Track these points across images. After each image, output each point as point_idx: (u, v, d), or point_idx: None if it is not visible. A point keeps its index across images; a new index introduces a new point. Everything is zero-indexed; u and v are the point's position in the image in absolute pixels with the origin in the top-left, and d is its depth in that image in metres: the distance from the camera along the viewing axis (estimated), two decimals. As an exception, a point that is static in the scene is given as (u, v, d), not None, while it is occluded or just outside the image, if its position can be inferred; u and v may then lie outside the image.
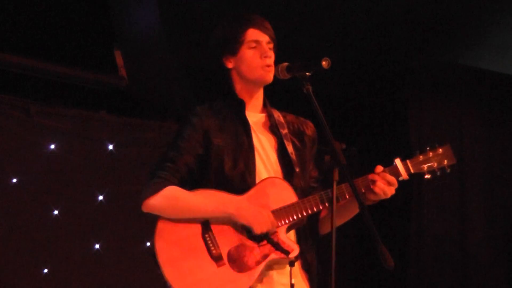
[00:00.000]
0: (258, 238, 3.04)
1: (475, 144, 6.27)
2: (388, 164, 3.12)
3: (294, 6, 5.34)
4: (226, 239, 3.06)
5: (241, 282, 3.01)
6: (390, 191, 3.07)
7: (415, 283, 6.08)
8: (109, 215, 5.41)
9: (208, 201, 3.07)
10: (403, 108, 6.24)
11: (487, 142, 6.32)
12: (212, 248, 3.03)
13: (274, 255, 3.03)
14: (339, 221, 3.10)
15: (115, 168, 5.48)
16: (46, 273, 5.17)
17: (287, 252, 3.02)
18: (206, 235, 3.06)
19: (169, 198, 3.09)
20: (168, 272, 3.03)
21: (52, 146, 5.29)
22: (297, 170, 3.18)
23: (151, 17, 5.33)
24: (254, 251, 3.04)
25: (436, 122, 6.22)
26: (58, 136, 5.32)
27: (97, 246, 5.37)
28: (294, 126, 3.32)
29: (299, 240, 3.17)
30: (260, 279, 3.06)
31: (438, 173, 3.14)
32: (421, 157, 3.13)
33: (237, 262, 3.03)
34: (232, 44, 3.21)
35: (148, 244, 3.89)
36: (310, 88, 2.98)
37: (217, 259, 3.03)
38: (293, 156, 3.20)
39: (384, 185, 3.05)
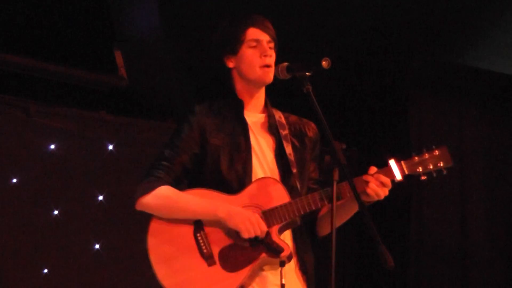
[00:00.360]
0: (249, 238, 3.04)
1: (475, 144, 6.27)
2: (386, 165, 3.11)
3: (294, 6, 5.34)
4: (218, 239, 3.07)
5: (230, 282, 3.02)
6: (383, 192, 3.05)
7: (415, 283, 6.08)
8: (109, 215, 5.41)
9: (200, 203, 3.08)
10: (403, 108, 6.24)
11: (487, 142, 6.31)
12: (204, 248, 3.05)
13: (265, 255, 3.04)
14: (337, 222, 3.09)
15: (115, 168, 5.48)
16: (46, 273, 5.17)
17: (278, 252, 3.02)
18: (198, 234, 3.07)
19: (161, 198, 3.11)
20: (159, 270, 3.07)
21: (52, 146, 5.29)
22: (294, 171, 3.18)
23: (151, 17, 5.33)
24: (245, 251, 3.05)
25: (436, 122, 6.21)
26: (58, 136, 5.32)
27: (97, 246, 5.37)
28: (296, 127, 3.31)
29: (295, 241, 3.17)
30: (253, 279, 3.07)
31: (434, 175, 3.10)
32: (416, 158, 3.09)
33: (228, 261, 3.04)
34: (233, 43, 3.21)
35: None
36: (310, 88, 2.98)
37: (208, 258, 3.04)
38: (291, 157, 3.20)
39: (376, 186, 3.04)
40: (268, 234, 3.04)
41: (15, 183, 5.13)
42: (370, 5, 5.43)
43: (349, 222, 3.21)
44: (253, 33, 3.20)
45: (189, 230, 3.09)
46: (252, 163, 3.15)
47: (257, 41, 3.20)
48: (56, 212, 5.25)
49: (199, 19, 5.29)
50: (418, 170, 3.08)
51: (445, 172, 3.11)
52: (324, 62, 2.97)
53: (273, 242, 3.03)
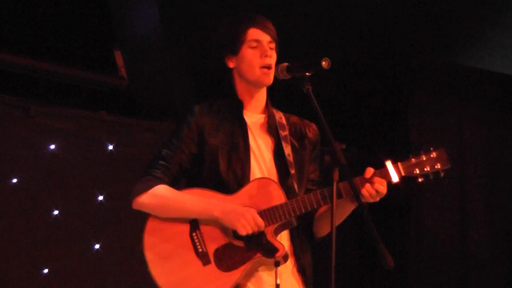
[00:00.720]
0: (245, 238, 3.04)
1: (475, 144, 6.27)
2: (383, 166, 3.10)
3: (294, 6, 5.34)
4: (214, 238, 3.08)
5: (225, 281, 3.03)
6: (379, 194, 3.04)
7: (415, 283, 6.08)
8: (109, 215, 5.41)
9: (196, 202, 3.09)
10: (403, 108, 6.24)
11: (487, 142, 6.31)
12: (199, 247, 3.06)
13: (260, 255, 3.04)
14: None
15: (115, 168, 5.48)
16: (46, 273, 5.17)
17: (273, 253, 3.02)
18: (194, 234, 3.09)
19: (157, 197, 3.11)
20: (154, 269, 3.09)
21: (52, 146, 5.29)
22: (293, 172, 3.18)
23: (151, 17, 5.33)
24: (241, 251, 3.05)
25: (436, 122, 6.21)
26: (58, 136, 5.31)
27: (97, 246, 5.37)
28: (296, 128, 3.31)
29: (292, 242, 3.17)
30: (248, 279, 3.07)
31: (431, 177, 3.09)
32: (413, 160, 3.07)
33: (223, 261, 3.05)
34: (233, 43, 3.21)
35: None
36: (310, 88, 2.97)
37: (203, 257, 3.06)
38: (290, 158, 3.19)
39: (372, 188, 3.03)
40: (263, 234, 3.05)
41: (15, 183, 5.13)
42: (370, 5, 5.43)
43: (349, 222, 3.21)
44: (253, 33, 3.20)
45: (185, 229, 3.10)
46: (251, 163, 3.16)
47: (258, 41, 3.19)
48: (56, 212, 5.25)
49: (199, 19, 5.29)
50: (415, 172, 3.07)
51: (442, 175, 3.09)
52: (324, 62, 2.97)
53: (268, 242, 3.04)
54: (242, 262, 3.04)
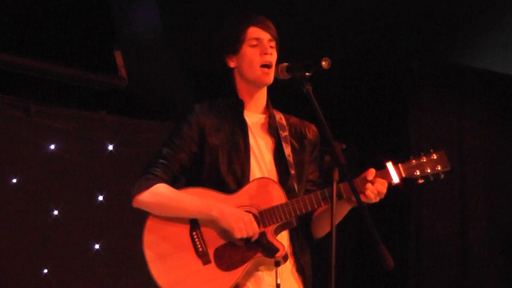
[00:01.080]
0: (244, 238, 3.04)
1: (475, 144, 6.26)
2: (384, 167, 3.10)
3: (294, 6, 5.34)
4: (214, 237, 3.08)
5: (225, 280, 3.03)
6: (379, 195, 3.05)
7: (415, 283, 6.07)
8: (109, 215, 5.41)
9: (194, 202, 3.09)
10: (403, 108, 6.24)
11: (487, 142, 6.31)
12: (199, 246, 3.07)
13: (260, 255, 3.04)
14: (328, 222, 3.09)
15: (115, 168, 5.48)
16: (46, 273, 5.17)
17: (273, 252, 3.03)
18: (194, 233, 3.09)
19: (157, 195, 3.12)
20: (154, 268, 3.08)
21: (52, 146, 5.29)
22: (293, 172, 3.18)
23: (151, 17, 5.33)
24: (241, 251, 3.05)
25: (436, 122, 6.21)
26: (58, 136, 5.32)
27: (97, 246, 5.37)
28: (296, 129, 3.31)
29: (292, 242, 3.17)
30: (248, 279, 3.08)
31: (432, 179, 3.10)
32: (414, 161, 3.09)
33: (223, 260, 3.05)
34: (234, 42, 3.21)
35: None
36: (310, 88, 2.97)
37: (203, 257, 3.06)
38: (290, 159, 3.20)
39: (373, 188, 3.03)
40: (263, 234, 3.05)
41: (15, 183, 5.13)
42: (370, 5, 5.43)
43: (349, 222, 3.21)
44: (253, 31, 3.20)
45: (185, 228, 3.10)
46: (250, 163, 3.16)
47: (258, 39, 3.20)
48: (56, 212, 5.25)
49: (199, 19, 5.29)
50: (415, 173, 3.08)
51: (442, 176, 3.10)
52: (324, 62, 2.97)
53: (269, 242, 3.04)
54: (242, 262, 3.04)
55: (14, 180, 5.13)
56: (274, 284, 3.01)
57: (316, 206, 3.07)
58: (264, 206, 3.08)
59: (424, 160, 3.09)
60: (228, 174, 3.13)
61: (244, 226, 3.00)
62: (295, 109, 3.42)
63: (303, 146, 3.28)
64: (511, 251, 6.23)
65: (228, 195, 3.11)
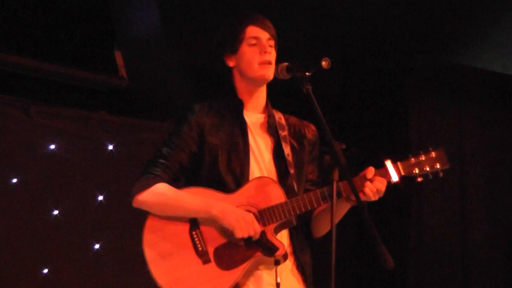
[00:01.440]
0: (243, 237, 3.05)
1: (475, 144, 6.27)
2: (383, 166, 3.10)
3: (294, 6, 5.34)
4: (214, 237, 3.08)
5: (225, 280, 3.03)
6: (378, 193, 3.06)
7: (415, 283, 6.08)
8: (109, 215, 5.41)
9: (195, 201, 3.10)
10: (403, 108, 6.24)
11: (487, 142, 6.31)
12: (199, 245, 3.07)
13: (260, 254, 3.05)
14: (328, 221, 3.09)
15: (115, 168, 5.48)
16: (46, 273, 5.17)
17: (272, 251, 3.04)
18: (194, 232, 3.09)
19: (157, 195, 3.12)
20: (154, 267, 3.09)
21: (52, 146, 5.29)
22: (292, 171, 3.19)
23: (151, 17, 5.33)
24: (240, 250, 3.06)
25: (436, 122, 6.21)
26: (58, 136, 5.32)
27: (97, 246, 5.37)
28: (295, 129, 3.31)
29: (292, 241, 3.17)
30: (248, 278, 3.08)
31: (431, 177, 3.11)
32: (412, 159, 3.09)
33: (223, 259, 3.06)
34: (233, 42, 3.22)
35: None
36: (310, 88, 2.97)
37: (203, 256, 3.06)
38: (289, 158, 3.20)
39: (372, 186, 3.04)
40: (263, 233, 3.05)
41: (15, 183, 5.13)
42: (370, 5, 5.43)
43: (349, 222, 3.21)
44: (252, 31, 3.21)
45: (185, 227, 3.10)
46: (250, 163, 3.16)
47: (257, 38, 3.20)
48: (56, 212, 5.25)
49: (199, 19, 5.29)
50: (414, 171, 3.09)
51: (441, 175, 3.11)
52: (323, 62, 2.97)
53: (268, 241, 3.05)
54: (242, 261, 3.04)
55: (14, 180, 5.13)
56: (274, 283, 3.02)
57: (315, 205, 3.07)
58: (264, 205, 3.08)
59: (423, 159, 3.10)
60: (228, 174, 3.13)
61: (245, 225, 3.00)
62: (295, 109, 3.42)
63: (302, 145, 3.29)
64: (511, 251, 6.23)
65: (227, 195, 3.11)
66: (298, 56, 3.15)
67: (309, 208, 3.07)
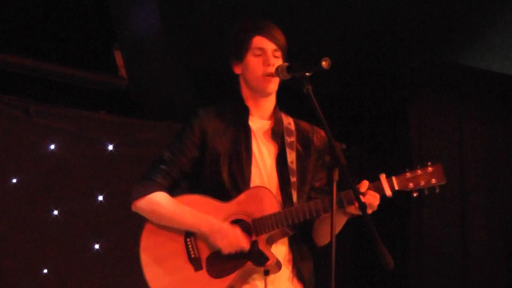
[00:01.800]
0: (233, 253, 3.07)
1: (475, 144, 6.26)
2: (382, 170, 3.09)
3: (294, 6, 5.34)
4: (207, 245, 3.11)
5: (215, 287, 3.04)
6: (371, 207, 3.01)
7: (415, 283, 6.08)
8: (109, 215, 5.41)
9: (187, 216, 3.12)
10: (403, 108, 6.24)
11: (487, 142, 6.31)
12: (192, 252, 3.10)
13: (251, 264, 3.06)
14: (326, 230, 3.10)
15: (115, 168, 5.48)
16: (46, 273, 5.17)
17: (263, 261, 3.05)
18: (188, 239, 3.12)
19: (153, 204, 3.14)
20: (148, 272, 3.14)
21: (52, 146, 5.29)
22: (293, 180, 3.17)
23: (151, 17, 5.33)
24: (232, 259, 3.07)
25: (436, 122, 6.21)
26: (58, 136, 5.32)
27: (97, 246, 5.37)
28: (304, 135, 3.29)
29: (291, 249, 3.17)
30: (241, 286, 3.09)
31: (426, 192, 3.08)
32: (408, 174, 3.06)
33: (214, 267, 3.08)
34: (239, 50, 3.21)
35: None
36: (310, 88, 2.96)
37: (195, 263, 3.09)
38: (293, 166, 3.19)
39: (366, 201, 2.99)
40: (255, 242, 3.07)
41: (15, 183, 5.13)
42: (370, 5, 5.43)
43: (349, 222, 3.20)
44: (258, 41, 3.20)
45: (180, 234, 3.13)
46: (252, 170, 3.16)
47: (262, 49, 3.19)
48: (56, 212, 5.25)
49: (199, 19, 5.29)
50: (409, 186, 3.06)
51: (437, 190, 3.08)
52: (324, 63, 2.96)
53: (259, 251, 3.06)
54: (233, 270, 3.06)
55: (14, 180, 5.13)
56: None
57: (308, 217, 3.05)
58: (258, 214, 3.08)
59: (419, 173, 3.07)
60: (229, 180, 3.14)
61: (229, 244, 3.03)
62: (295, 109, 3.42)
63: (308, 152, 3.26)
64: (511, 251, 6.23)
65: (223, 203, 3.12)
66: (298, 56, 3.15)
67: (302, 219, 3.06)
